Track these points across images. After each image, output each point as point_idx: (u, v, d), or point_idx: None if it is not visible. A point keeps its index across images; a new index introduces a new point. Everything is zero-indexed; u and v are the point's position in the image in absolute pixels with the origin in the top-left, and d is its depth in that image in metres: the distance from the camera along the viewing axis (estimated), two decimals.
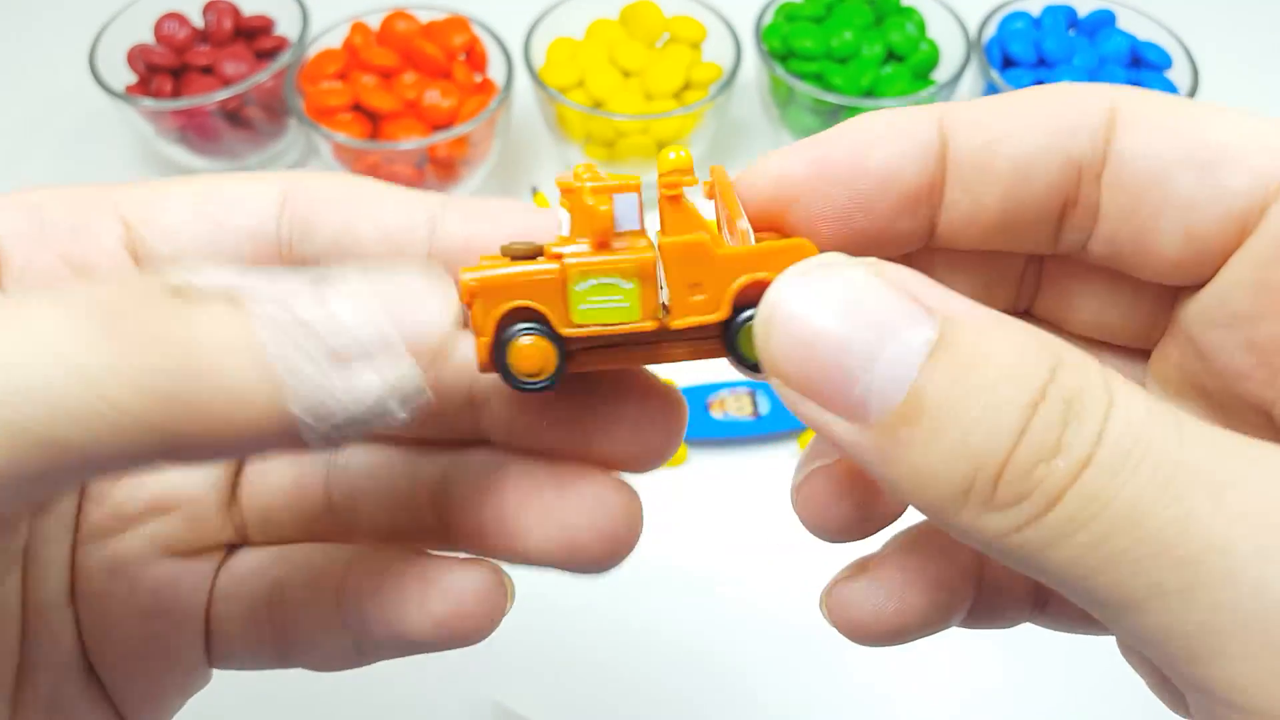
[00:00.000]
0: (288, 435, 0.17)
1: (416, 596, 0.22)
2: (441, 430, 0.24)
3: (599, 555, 0.22)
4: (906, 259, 0.22)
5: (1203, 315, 0.21)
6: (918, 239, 0.22)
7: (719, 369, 0.57)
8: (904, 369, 0.16)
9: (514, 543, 0.22)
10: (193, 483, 0.24)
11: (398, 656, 0.24)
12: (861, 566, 0.23)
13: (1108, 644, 0.23)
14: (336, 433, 0.17)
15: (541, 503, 0.22)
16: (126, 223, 0.22)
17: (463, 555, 0.23)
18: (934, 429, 0.16)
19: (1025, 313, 0.24)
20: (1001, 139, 0.21)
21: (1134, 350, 0.23)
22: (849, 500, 0.22)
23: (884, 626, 0.22)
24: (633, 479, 0.23)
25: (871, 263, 0.18)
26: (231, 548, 0.25)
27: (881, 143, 0.21)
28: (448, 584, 0.22)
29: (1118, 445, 0.16)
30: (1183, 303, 0.21)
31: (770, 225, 0.22)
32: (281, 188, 0.22)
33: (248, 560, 0.25)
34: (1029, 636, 0.48)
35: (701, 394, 0.55)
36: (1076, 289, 0.23)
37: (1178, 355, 0.22)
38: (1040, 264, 0.24)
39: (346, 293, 0.17)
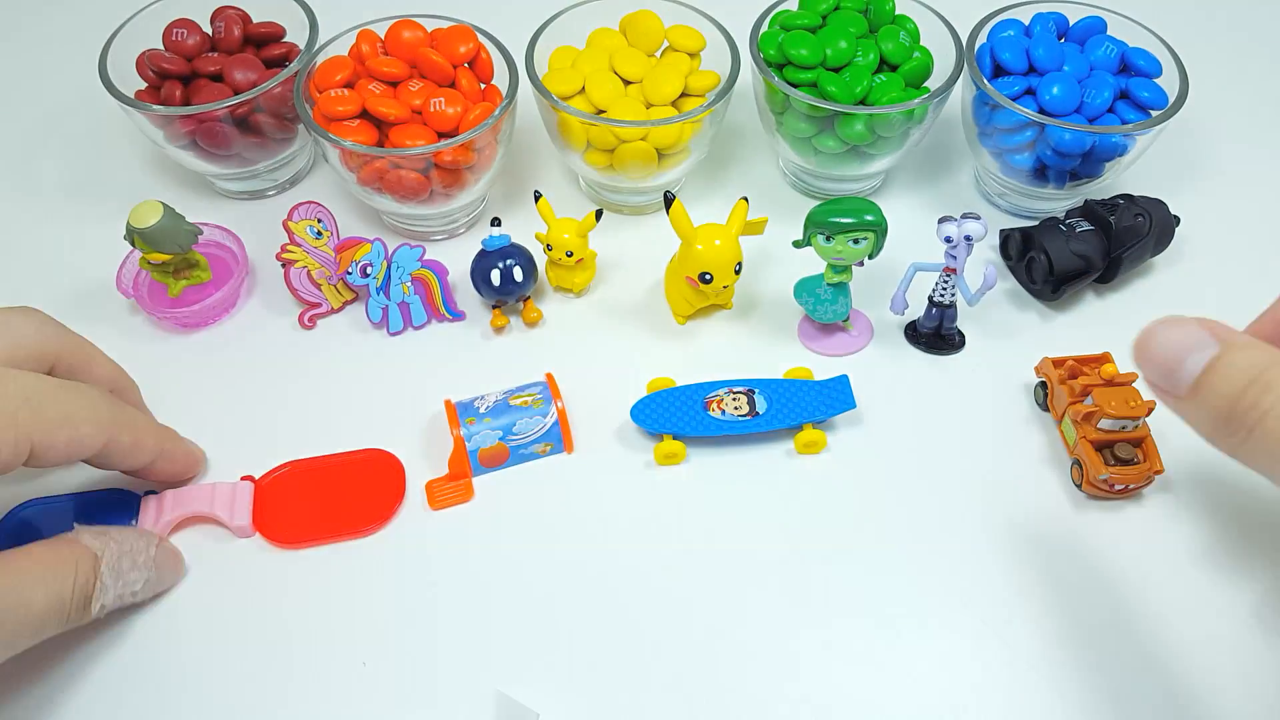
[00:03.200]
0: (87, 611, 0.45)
1: None
2: None
3: None
4: None
5: None
6: None
7: (718, 368, 0.59)
8: (1189, 373, 0.34)
9: None
10: None
11: None
12: None
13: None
14: (111, 605, 0.47)
15: None
16: None
17: None
18: (1196, 402, 0.34)
19: None
20: None
21: None
22: None
23: None
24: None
25: (1200, 319, 0.35)
26: None
27: None
28: None
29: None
30: None
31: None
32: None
33: None
34: (1030, 634, 0.49)
35: (699, 393, 0.56)
36: None
37: None
38: None
39: (132, 549, 0.48)
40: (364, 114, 0.60)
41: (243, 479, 0.54)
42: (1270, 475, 0.32)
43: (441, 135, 0.60)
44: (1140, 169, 0.69)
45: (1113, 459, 0.53)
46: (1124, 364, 0.56)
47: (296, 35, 0.67)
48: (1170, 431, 0.54)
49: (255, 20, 0.68)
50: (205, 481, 0.54)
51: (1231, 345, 0.33)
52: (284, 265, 0.61)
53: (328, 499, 0.54)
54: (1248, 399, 0.32)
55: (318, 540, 0.52)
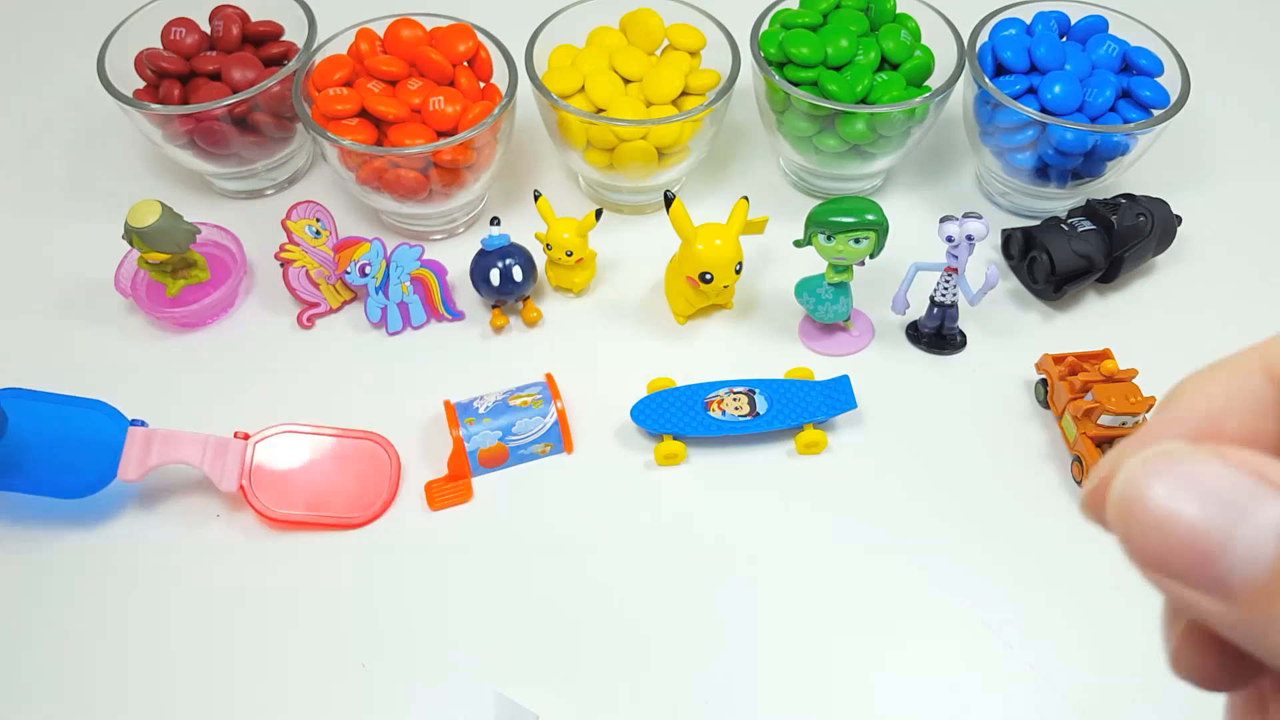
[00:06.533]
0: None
1: None
2: None
3: None
4: None
5: None
6: None
7: (718, 368, 0.58)
8: (1261, 547, 0.17)
9: None
10: None
11: None
12: None
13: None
14: None
15: None
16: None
17: None
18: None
19: None
20: None
21: None
22: (1226, 654, 0.21)
23: None
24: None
25: (1213, 448, 0.18)
26: None
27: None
28: None
29: None
30: None
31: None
32: None
33: None
34: (1031, 634, 0.49)
35: (700, 393, 0.56)
36: None
37: None
38: None
39: None
40: (363, 113, 0.60)
41: (236, 434, 0.54)
42: None
43: (441, 134, 0.60)
44: (1142, 168, 0.68)
45: None
46: (1124, 360, 0.56)
47: (295, 34, 0.67)
48: None
49: (254, 19, 0.67)
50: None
51: None
52: (282, 265, 0.61)
53: (319, 479, 0.54)
54: None
55: (302, 523, 0.52)
